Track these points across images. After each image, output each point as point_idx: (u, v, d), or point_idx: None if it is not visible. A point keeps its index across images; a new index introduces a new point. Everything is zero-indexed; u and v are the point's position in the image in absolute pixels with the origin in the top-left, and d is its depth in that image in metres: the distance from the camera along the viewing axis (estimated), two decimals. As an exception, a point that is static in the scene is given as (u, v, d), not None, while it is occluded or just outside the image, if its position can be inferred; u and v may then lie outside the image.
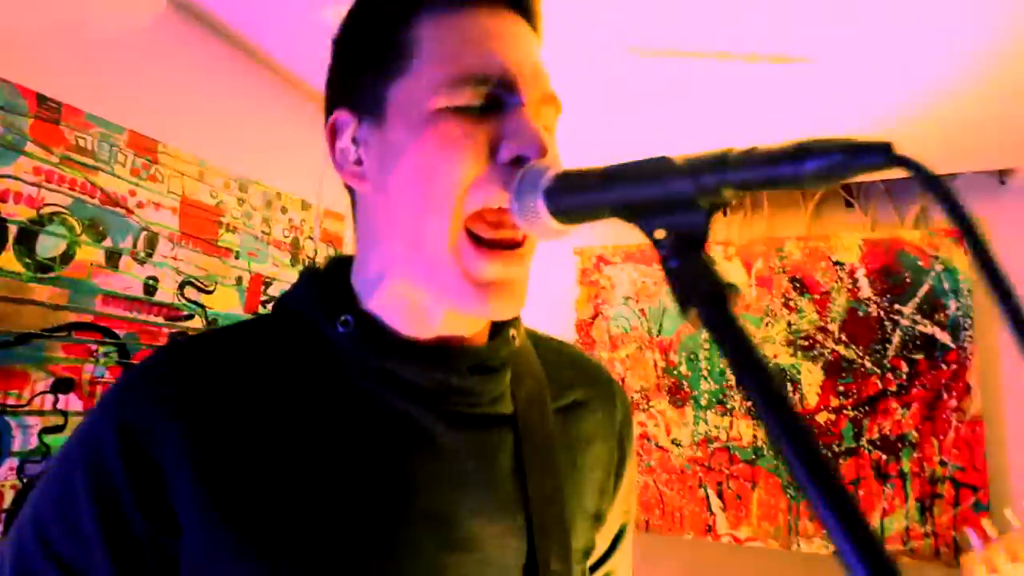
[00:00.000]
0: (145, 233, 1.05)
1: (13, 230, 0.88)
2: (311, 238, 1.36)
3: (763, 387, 0.34)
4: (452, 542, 0.57)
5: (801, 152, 0.37)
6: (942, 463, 1.68)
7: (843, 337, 1.83)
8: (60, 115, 0.94)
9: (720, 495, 1.86)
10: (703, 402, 1.93)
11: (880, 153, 0.36)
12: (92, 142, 0.98)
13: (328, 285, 0.63)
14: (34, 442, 0.89)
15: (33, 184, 0.91)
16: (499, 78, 0.53)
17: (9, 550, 0.55)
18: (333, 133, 0.61)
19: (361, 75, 0.59)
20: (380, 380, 0.58)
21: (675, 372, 1.98)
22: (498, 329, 0.65)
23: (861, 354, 1.80)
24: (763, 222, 2.14)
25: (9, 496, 0.86)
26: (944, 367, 1.72)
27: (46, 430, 0.91)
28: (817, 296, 1.88)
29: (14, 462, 0.87)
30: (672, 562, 1.95)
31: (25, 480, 0.88)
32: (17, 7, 0.91)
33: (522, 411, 0.64)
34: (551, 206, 0.47)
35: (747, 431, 1.87)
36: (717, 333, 0.37)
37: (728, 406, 1.90)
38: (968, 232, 0.31)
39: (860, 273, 1.85)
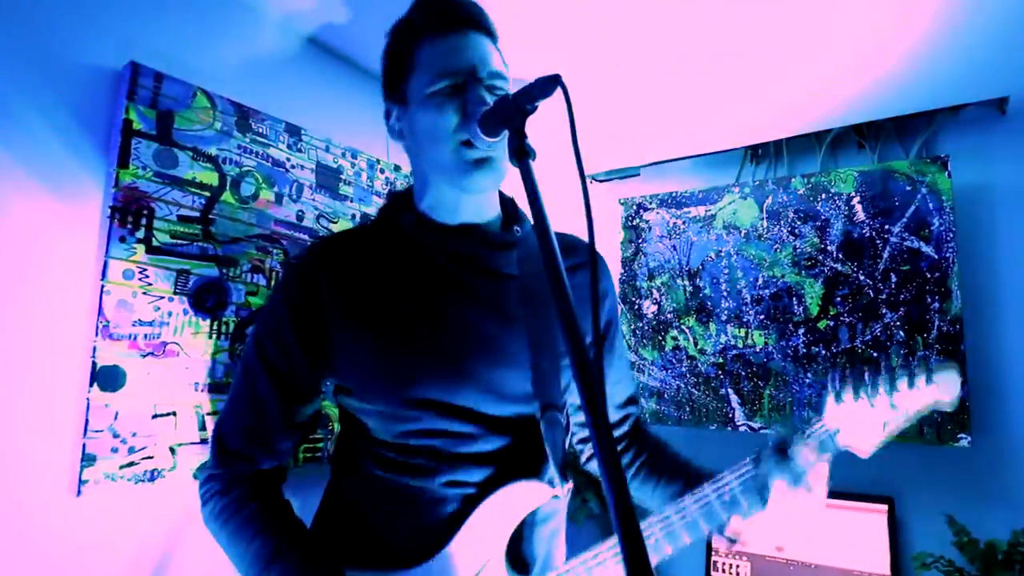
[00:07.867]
0: (296, 183, 1.73)
1: (229, 180, 1.58)
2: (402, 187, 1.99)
3: (541, 224, 0.64)
4: (477, 339, 0.92)
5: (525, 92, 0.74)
6: (925, 356, 1.94)
7: (840, 256, 2.13)
8: (249, 115, 1.63)
9: (738, 393, 2.24)
10: (723, 318, 2.32)
11: (553, 82, 0.79)
12: (266, 130, 1.67)
13: (402, 197, 1.03)
14: (242, 299, 1.59)
15: (237, 154, 1.60)
16: (461, 71, 0.88)
17: (240, 362, 0.97)
18: (387, 117, 1.01)
19: (394, 80, 0.97)
20: (431, 249, 0.95)
21: (701, 295, 2.38)
22: (508, 225, 1.01)
23: (856, 269, 2.10)
24: (784, 167, 2.47)
25: (231, 326, 1.56)
26: (928, 275, 1.97)
27: (248, 292, 1.60)
28: (819, 223, 2.19)
29: (233, 308, 1.57)
30: (701, 448, 2.36)
31: (238, 319, 1.57)
32: (225, 49, 1.62)
33: (524, 273, 0.97)
34: (482, 129, 0.82)
35: (760, 339, 2.23)
36: (523, 176, 0.69)
37: (744, 320, 2.27)
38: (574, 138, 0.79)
39: (855, 201, 2.13)
